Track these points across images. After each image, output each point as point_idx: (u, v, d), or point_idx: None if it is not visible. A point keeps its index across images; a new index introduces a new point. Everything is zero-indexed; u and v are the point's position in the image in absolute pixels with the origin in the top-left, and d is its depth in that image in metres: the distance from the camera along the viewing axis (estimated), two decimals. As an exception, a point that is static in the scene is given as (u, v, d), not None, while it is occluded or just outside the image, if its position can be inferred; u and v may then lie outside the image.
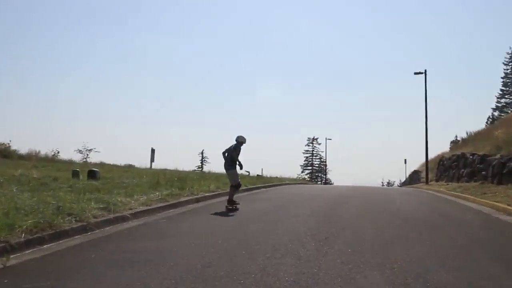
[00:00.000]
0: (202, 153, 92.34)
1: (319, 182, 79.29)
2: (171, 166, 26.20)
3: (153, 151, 26.18)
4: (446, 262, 5.22)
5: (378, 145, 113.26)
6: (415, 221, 8.62)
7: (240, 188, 13.99)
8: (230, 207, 10.20)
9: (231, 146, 10.63)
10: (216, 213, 9.43)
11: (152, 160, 25.97)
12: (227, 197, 10.76)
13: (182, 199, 10.89)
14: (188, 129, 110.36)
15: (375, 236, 6.88)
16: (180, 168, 25.87)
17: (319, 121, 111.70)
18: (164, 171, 20.22)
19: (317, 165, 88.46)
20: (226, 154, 10.60)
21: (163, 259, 5.14)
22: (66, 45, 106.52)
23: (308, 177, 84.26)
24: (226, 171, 10.78)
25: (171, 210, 9.67)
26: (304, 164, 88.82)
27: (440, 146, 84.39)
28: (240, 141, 10.65)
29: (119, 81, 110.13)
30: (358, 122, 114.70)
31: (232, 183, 10.71)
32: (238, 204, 10.51)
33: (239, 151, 10.62)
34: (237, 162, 10.58)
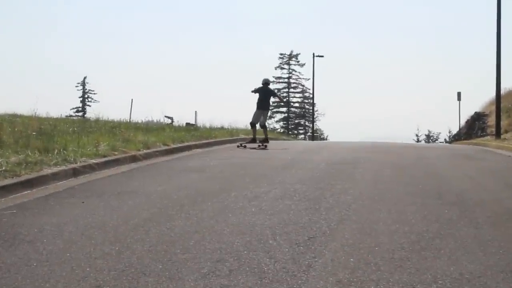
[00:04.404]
0: (83, 83, 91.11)
1: (302, 136, 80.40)
2: (24, 109, 25.72)
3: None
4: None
5: (408, 70, 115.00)
6: (472, 207, 8.88)
7: (157, 149, 14.84)
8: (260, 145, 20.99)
9: (264, 89, 21.90)
10: (111, 196, 9.44)
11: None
12: (130, 166, 12.12)
13: (47, 171, 10.85)
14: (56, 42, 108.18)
15: (397, 233, 7.06)
16: (43, 113, 25.42)
17: (303, 26, 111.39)
18: (11, 119, 19.79)
19: (297, 106, 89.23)
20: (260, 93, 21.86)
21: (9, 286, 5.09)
22: None
23: (282, 127, 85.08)
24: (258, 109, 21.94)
25: (26, 192, 9.61)
26: (274, 103, 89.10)
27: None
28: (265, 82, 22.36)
29: None
30: (372, 29, 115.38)
31: (261, 124, 22.02)
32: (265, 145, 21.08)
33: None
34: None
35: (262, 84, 22.12)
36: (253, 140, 21.66)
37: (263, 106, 21.90)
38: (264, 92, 21.91)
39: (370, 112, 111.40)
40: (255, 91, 21.82)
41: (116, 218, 7.79)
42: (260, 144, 21.12)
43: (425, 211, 8.46)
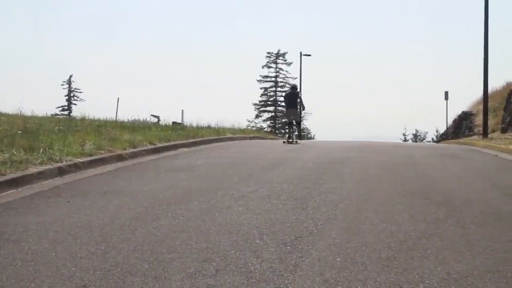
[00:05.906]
0: (69, 82, 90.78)
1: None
2: (9, 107, 25.62)
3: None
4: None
5: (396, 70, 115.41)
6: (459, 207, 8.91)
7: (143, 148, 14.96)
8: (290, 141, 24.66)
9: (291, 92, 26.82)
10: (97, 195, 9.40)
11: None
12: (116, 165, 12.38)
13: (32, 170, 10.82)
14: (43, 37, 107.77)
15: (384, 233, 7.08)
16: (28, 112, 25.31)
17: (290, 26, 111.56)
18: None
19: (284, 104, 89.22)
20: (288, 98, 26.88)
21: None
22: None
23: (270, 126, 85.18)
24: (288, 108, 27.08)
25: (11, 192, 9.60)
26: (261, 102, 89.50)
27: (509, 69, 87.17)
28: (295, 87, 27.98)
29: None
30: (360, 30, 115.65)
31: (296, 120, 27.50)
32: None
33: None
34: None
35: (290, 88, 27.87)
36: (289, 137, 25.35)
37: (291, 105, 26.56)
38: (291, 95, 26.66)
39: (357, 112, 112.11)
40: (284, 96, 28.25)
41: (102, 218, 7.77)
42: (291, 141, 24.92)
43: (413, 210, 8.48)
